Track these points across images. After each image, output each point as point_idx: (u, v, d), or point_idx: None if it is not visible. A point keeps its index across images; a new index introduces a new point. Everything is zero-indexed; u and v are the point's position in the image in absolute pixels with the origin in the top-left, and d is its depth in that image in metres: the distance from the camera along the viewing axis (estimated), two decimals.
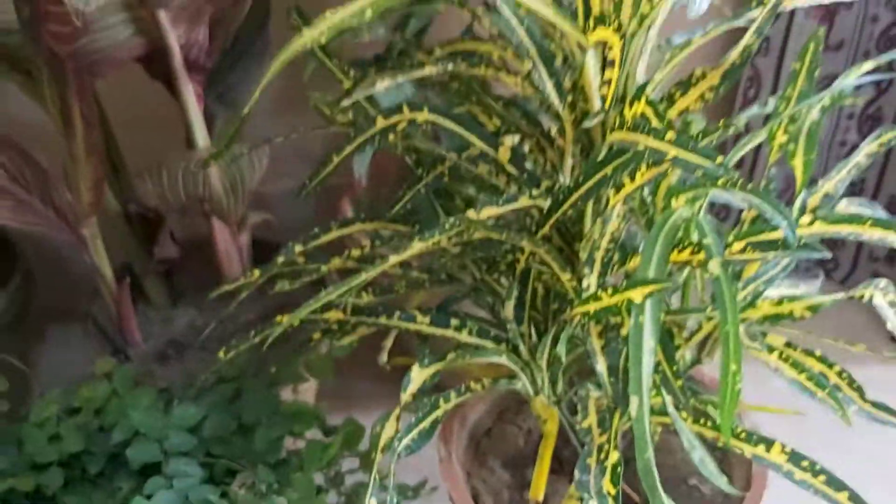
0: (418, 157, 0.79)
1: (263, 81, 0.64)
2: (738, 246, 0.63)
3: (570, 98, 0.64)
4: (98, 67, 0.90)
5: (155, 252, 1.13)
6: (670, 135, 0.57)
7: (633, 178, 0.63)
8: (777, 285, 0.76)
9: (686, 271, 0.73)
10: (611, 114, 0.64)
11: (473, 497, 0.84)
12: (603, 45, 0.61)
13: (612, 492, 0.62)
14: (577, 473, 0.63)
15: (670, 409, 0.63)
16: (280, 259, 0.80)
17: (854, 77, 0.71)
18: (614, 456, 0.64)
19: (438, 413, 0.71)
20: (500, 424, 0.95)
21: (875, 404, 0.73)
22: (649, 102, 0.61)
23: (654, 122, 0.60)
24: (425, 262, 0.80)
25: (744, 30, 0.64)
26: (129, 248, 1.13)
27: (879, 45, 1.31)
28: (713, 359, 0.77)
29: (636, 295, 0.59)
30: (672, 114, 0.66)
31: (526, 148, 0.76)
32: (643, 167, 0.62)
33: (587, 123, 0.64)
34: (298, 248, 0.80)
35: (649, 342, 0.57)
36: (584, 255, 0.69)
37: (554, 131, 0.69)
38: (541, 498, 0.77)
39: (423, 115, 0.69)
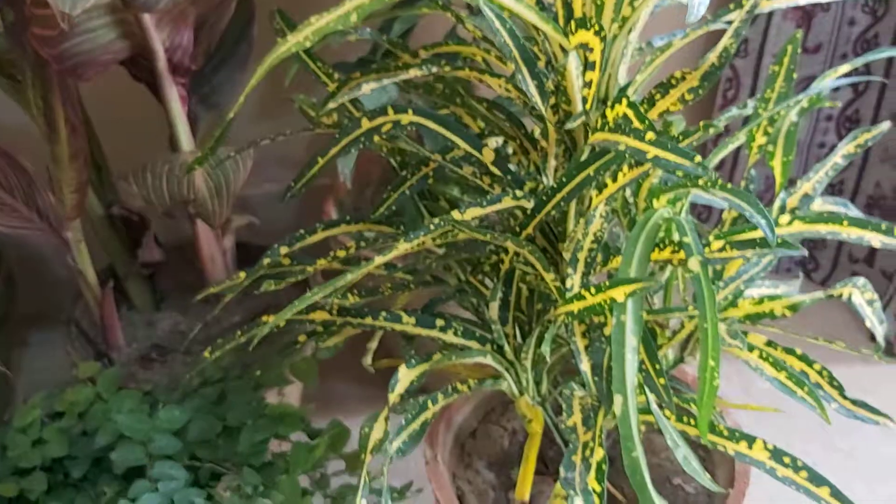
0: (403, 159, 0.80)
1: (248, 86, 0.64)
2: (717, 244, 0.64)
3: (552, 100, 0.65)
4: (82, 70, 0.90)
5: (139, 255, 1.13)
6: (650, 135, 0.57)
7: (615, 179, 0.64)
8: (758, 285, 0.77)
9: (668, 272, 0.74)
10: (593, 115, 0.64)
11: (459, 498, 0.84)
12: (584, 48, 0.62)
13: (598, 489, 0.62)
14: (562, 471, 0.64)
15: (654, 407, 0.64)
16: (266, 261, 0.80)
17: (832, 79, 0.72)
18: (599, 453, 0.64)
19: (427, 415, 0.71)
20: (485, 426, 0.95)
21: (855, 402, 0.74)
22: (630, 104, 0.61)
23: (636, 124, 0.61)
24: (410, 264, 0.81)
25: (723, 32, 0.65)
26: (113, 252, 1.13)
27: (857, 47, 1.32)
28: (696, 358, 0.77)
29: (618, 294, 0.59)
30: (653, 115, 0.67)
31: (510, 149, 0.76)
32: (625, 168, 0.63)
33: (570, 125, 0.64)
34: (284, 249, 0.80)
35: (632, 340, 0.58)
36: (567, 256, 0.70)
37: (537, 133, 0.70)
38: (526, 498, 0.78)
39: (408, 117, 0.70)
